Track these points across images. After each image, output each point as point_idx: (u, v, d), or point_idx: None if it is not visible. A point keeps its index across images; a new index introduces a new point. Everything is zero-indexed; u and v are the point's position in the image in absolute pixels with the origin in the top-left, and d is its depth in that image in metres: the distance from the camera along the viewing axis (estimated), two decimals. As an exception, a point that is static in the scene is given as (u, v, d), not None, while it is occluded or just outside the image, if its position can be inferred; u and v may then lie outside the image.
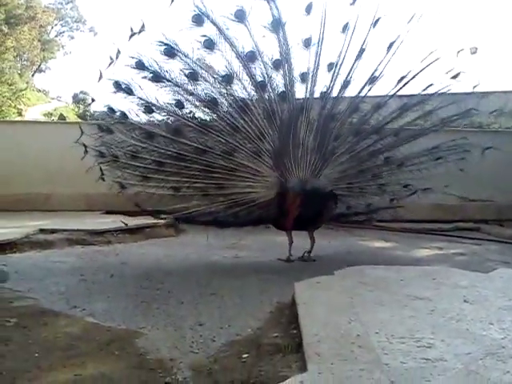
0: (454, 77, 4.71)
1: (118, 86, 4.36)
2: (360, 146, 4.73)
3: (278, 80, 4.55)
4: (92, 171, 7.31)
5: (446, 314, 2.51)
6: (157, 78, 4.28)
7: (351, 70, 4.64)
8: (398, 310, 2.58)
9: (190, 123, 4.47)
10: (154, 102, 4.44)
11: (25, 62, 31.22)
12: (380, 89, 4.90)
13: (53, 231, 5.31)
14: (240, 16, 4.24)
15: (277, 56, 4.47)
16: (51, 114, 28.46)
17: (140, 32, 4.19)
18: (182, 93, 4.42)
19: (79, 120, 14.19)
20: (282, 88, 4.57)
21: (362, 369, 1.83)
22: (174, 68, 4.32)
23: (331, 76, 4.62)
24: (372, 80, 4.69)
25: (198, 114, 4.69)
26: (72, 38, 34.53)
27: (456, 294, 2.92)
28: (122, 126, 4.57)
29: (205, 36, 4.24)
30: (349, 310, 2.56)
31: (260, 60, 4.44)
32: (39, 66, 33.41)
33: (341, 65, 4.61)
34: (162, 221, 6.25)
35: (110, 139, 4.56)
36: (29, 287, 3.53)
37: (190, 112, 4.65)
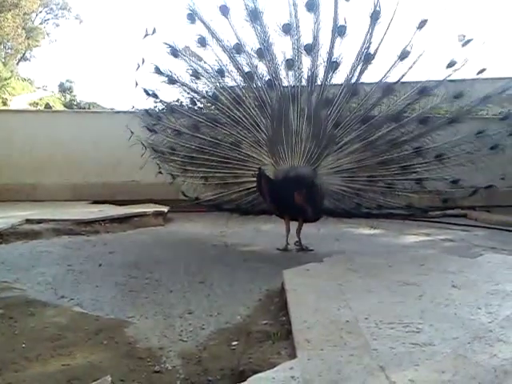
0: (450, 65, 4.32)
1: (146, 92, 5.07)
2: (374, 134, 4.38)
3: (263, 69, 4.63)
4: (78, 162, 7.35)
5: (434, 299, 2.52)
6: (171, 80, 4.85)
7: (331, 50, 4.36)
8: (387, 296, 2.59)
9: (199, 119, 4.90)
10: (173, 102, 5.14)
11: (9, 51, 30.65)
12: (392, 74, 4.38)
13: (39, 221, 5.26)
14: (224, 10, 4.55)
15: (258, 45, 4.56)
16: (37, 104, 28.07)
17: (153, 33, 4.83)
18: (188, 91, 4.96)
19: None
20: (267, 76, 4.62)
21: (352, 354, 1.83)
22: (182, 68, 4.89)
23: (311, 58, 4.48)
24: (366, 59, 4.32)
25: (206, 109, 5.15)
26: (57, 25, 33.99)
27: (444, 280, 2.94)
28: (158, 126, 5.14)
29: (198, 34, 4.66)
30: (338, 297, 2.56)
31: (244, 51, 4.61)
32: (24, 54, 32.84)
33: (317, 45, 4.41)
34: (151, 210, 6.24)
35: (155, 139, 5.17)
36: (15, 277, 3.49)
37: (200, 108, 5.15)
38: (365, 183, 4.47)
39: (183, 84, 4.89)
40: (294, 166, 4.34)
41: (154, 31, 4.84)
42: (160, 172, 5.38)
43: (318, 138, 4.37)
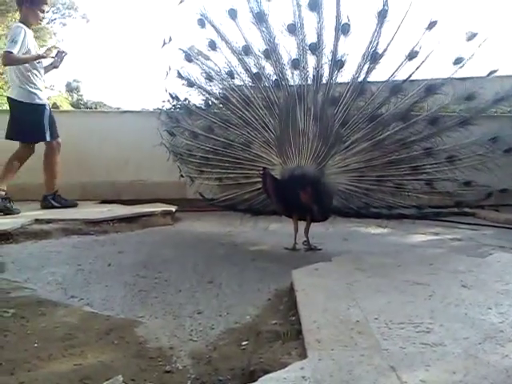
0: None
1: (171, 96, 5.59)
2: (381, 133, 4.29)
3: (270, 69, 4.70)
4: (87, 161, 7.42)
5: (444, 299, 2.51)
6: (189, 83, 5.12)
7: (335, 48, 4.31)
8: (397, 296, 2.58)
9: (214, 119, 5.03)
10: (190, 104, 5.43)
11: (16, 51, 30.77)
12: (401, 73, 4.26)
13: (49, 221, 5.28)
14: (232, 14, 4.67)
15: (265, 46, 4.63)
16: (44, 103, 28.14)
17: (169, 41, 5.09)
18: (204, 93, 5.17)
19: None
20: (274, 76, 4.67)
21: (362, 354, 1.83)
22: (196, 72, 5.15)
23: (316, 57, 4.45)
24: (373, 58, 4.23)
25: (218, 110, 5.27)
26: (64, 25, 33.98)
27: (454, 279, 2.93)
28: (176, 129, 5.41)
29: (208, 38, 4.86)
30: (347, 297, 2.56)
31: (252, 52, 4.71)
32: (31, 54, 32.95)
33: (321, 44, 4.39)
34: (159, 209, 6.26)
35: (175, 141, 5.43)
36: (26, 277, 3.52)
37: (213, 109, 5.28)
38: (373, 183, 4.39)
39: (200, 86, 5.12)
40: (301, 165, 4.31)
41: (170, 39, 5.12)
42: (182, 175, 5.58)
43: (325, 136, 4.32)
